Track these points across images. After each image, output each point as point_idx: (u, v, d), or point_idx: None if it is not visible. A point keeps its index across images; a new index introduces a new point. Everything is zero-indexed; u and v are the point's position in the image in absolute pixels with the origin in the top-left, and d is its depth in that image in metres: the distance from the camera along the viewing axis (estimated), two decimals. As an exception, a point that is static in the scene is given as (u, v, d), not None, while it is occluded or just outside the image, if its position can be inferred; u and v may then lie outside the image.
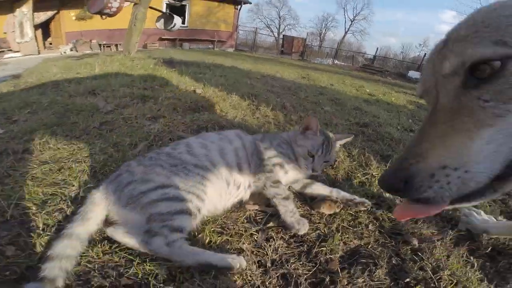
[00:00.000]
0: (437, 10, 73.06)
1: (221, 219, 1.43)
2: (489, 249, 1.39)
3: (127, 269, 1.08)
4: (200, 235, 1.31)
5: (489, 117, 0.56)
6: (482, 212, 1.61)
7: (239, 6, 17.77)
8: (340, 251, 1.31)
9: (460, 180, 0.58)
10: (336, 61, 22.79)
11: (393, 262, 1.27)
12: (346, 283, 1.14)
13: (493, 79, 0.56)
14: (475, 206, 1.69)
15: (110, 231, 1.17)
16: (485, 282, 1.17)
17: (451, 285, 1.13)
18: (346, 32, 41.91)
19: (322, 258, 1.25)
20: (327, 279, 1.15)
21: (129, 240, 1.15)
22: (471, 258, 1.32)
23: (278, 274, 1.15)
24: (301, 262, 1.23)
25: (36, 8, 13.07)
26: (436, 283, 1.15)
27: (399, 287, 1.15)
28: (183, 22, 16.10)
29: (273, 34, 38.06)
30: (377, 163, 2.21)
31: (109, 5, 6.29)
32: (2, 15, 12.66)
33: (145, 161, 1.35)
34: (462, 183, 0.58)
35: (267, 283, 1.11)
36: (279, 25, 40.51)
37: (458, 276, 1.18)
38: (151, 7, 7.53)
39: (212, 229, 1.35)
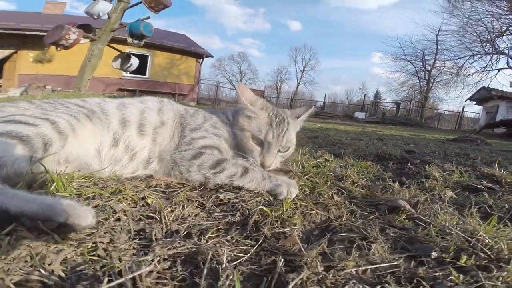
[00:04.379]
0: (367, 54, 74.20)
1: (99, 178, 0.82)
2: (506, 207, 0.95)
3: None
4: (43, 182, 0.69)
5: None
6: None
7: (201, 60, 17.10)
8: (298, 224, 0.73)
9: None
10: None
11: (391, 234, 0.73)
12: (321, 268, 0.54)
13: None
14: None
15: None
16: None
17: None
18: (298, 83, 43.11)
19: (267, 232, 0.66)
20: (281, 263, 0.54)
21: None
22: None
23: (174, 252, 0.53)
24: (228, 237, 0.62)
25: (-4, 44, 11.37)
26: (488, 251, 0.63)
27: (428, 266, 0.59)
28: (144, 73, 15.88)
29: (235, 89, 39.45)
30: (330, 157, 1.86)
31: (67, 36, 5.80)
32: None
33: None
34: None
35: (148, 266, 0.47)
36: (241, 80, 41.09)
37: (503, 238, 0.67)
38: (109, 45, 7.16)
39: (76, 180, 0.72)
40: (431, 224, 0.76)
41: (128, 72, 8.28)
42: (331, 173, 1.23)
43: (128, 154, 0.98)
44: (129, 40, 6.87)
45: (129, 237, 0.54)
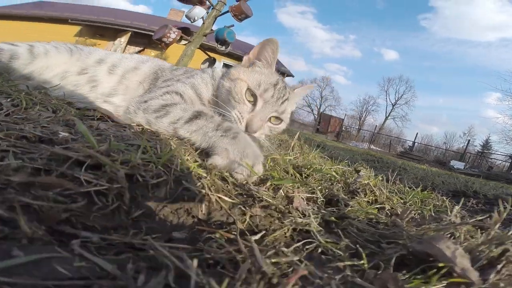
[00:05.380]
0: (480, 93, 64.80)
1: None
2: None
3: None
4: None
5: None
6: None
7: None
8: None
9: None
10: (372, 146, 19.03)
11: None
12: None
13: None
14: None
15: None
16: None
17: None
18: (386, 117, 37.07)
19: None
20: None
21: None
22: None
23: None
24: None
25: (130, 41, 14.31)
26: None
27: None
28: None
29: (313, 113, 38.01)
30: (370, 172, 1.33)
31: (168, 34, 6.76)
32: (105, 41, 14.14)
33: None
34: None
35: None
36: (320, 105, 38.91)
37: None
38: (200, 48, 7.99)
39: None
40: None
41: (214, 75, 9.03)
42: (338, 177, 0.82)
43: (89, 84, 1.03)
44: (218, 46, 7.47)
45: None
